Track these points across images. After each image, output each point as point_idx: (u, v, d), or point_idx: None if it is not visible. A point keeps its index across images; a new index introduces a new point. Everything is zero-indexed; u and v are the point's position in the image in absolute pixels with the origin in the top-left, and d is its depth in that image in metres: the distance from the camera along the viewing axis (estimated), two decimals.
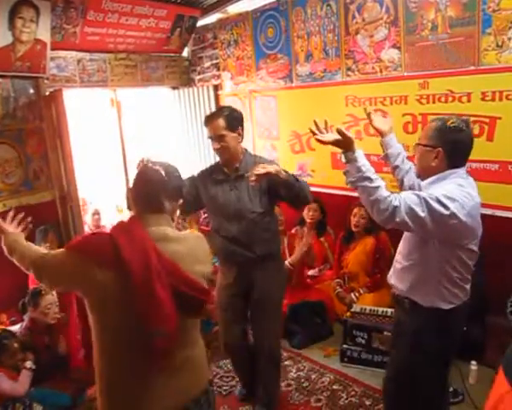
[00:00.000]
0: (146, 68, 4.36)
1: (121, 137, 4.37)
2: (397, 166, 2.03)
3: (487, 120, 2.75)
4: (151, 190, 1.42)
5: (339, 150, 1.70)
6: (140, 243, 1.32)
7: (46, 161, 3.62)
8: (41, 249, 1.52)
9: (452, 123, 1.68)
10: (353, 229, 3.30)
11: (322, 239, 3.63)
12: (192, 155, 4.69)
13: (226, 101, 4.40)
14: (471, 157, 1.76)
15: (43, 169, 3.61)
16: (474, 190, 1.69)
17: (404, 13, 3.00)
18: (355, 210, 3.26)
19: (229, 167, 2.31)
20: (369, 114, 2.09)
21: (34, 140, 3.55)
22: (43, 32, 3.24)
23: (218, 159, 2.39)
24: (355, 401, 2.61)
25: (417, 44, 2.99)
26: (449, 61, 2.86)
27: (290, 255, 3.57)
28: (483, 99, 2.74)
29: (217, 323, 2.54)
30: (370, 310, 2.99)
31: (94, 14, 3.51)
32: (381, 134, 2.06)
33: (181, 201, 1.52)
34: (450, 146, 1.67)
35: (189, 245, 1.44)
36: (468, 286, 1.76)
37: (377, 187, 1.60)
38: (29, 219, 1.73)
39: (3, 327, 2.86)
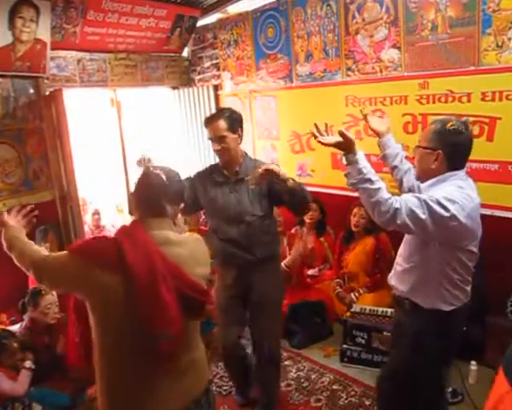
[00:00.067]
0: (146, 68, 4.37)
1: (121, 136, 4.37)
2: (395, 167, 2.03)
3: (487, 121, 2.75)
4: (152, 195, 1.43)
5: (339, 151, 1.71)
6: (143, 247, 1.33)
7: (46, 161, 3.62)
8: (42, 250, 1.51)
9: (452, 125, 1.68)
10: (353, 229, 3.30)
11: (321, 239, 3.63)
12: (192, 156, 4.69)
13: (226, 101, 4.40)
14: (471, 157, 1.76)
15: (43, 169, 3.61)
16: (473, 192, 1.69)
17: (404, 13, 3.00)
18: (355, 210, 3.26)
19: (230, 170, 2.30)
20: (365, 116, 2.09)
21: (34, 140, 3.55)
22: (43, 31, 3.24)
23: (217, 160, 2.39)
24: (355, 401, 2.61)
25: (417, 44, 2.99)
26: (449, 62, 2.86)
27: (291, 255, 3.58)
28: (483, 99, 2.74)
29: (216, 324, 2.54)
30: (370, 310, 2.99)
31: (94, 13, 3.51)
32: (379, 135, 2.06)
33: (182, 205, 1.53)
34: (450, 148, 1.68)
35: (190, 248, 1.45)
36: (468, 288, 1.76)
37: (378, 189, 1.61)
38: (35, 212, 1.72)
39: (3, 327, 2.86)
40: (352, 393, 2.68)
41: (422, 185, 1.79)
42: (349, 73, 3.45)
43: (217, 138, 2.22)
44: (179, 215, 1.55)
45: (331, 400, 2.64)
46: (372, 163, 1.73)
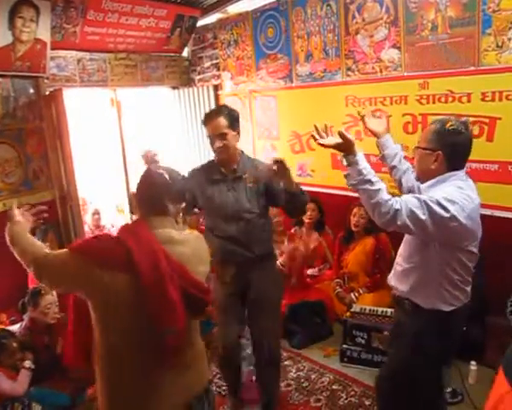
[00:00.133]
0: (146, 68, 4.37)
1: (121, 136, 4.38)
2: (394, 167, 2.03)
3: (487, 121, 2.75)
4: (155, 193, 1.44)
5: (339, 153, 1.71)
6: (147, 245, 1.33)
7: (46, 161, 3.62)
8: (43, 247, 1.50)
9: (451, 126, 1.68)
10: (353, 229, 3.30)
11: (321, 239, 3.63)
12: (192, 156, 4.69)
13: (226, 101, 4.40)
14: (471, 157, 1.76)
15: (42, 169, 3.61)
16: (473, 192, 1.69)
17: (404, 13, 3.00)
18: (355, 210, 3.26)
19: (227, 167, 2.29)
20: (362, 117, 2.10)
21: (34, 140, 3.55)
22: (43, 31, 3.24)
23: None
24: (354, 401, 2.61)
25: (417, 44, 2.99)
26: (449, 62, 2.86)
27: (291, 254, 3.58)
28: (483, 99, 2.74)
29: (216, 323, 2.54)
30: (370, 310, 2.99)
31: (94, 13, 3.51)
32: (376, 136, 2.06)
33: (184, 204, 1.54)
34: (450, 149, 1.68)
35: (192, 246, 1.46)
36: (468, 288, 1.77)
37: (378, 190, 1.61)
38: (45, 214, 1.73)
39: (3, 327, 2.86)
40: (352, 393, 2.68)
41: (422, 186, 1.79)
42: (349, 73, 3.45)
43: (218, 135, 2.21)
44: (180, 214, 1.55)
45: (331, 400, 2.64)
46: (371, 163, 1.73)
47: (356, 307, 3.06)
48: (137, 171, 1.53)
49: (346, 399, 2.63)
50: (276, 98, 4.02)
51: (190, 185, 2.31)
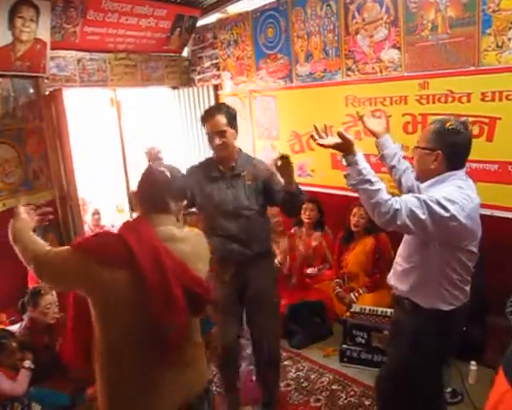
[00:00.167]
0: (146, 68, 4.37)
1: (121, 136, 4.38)
2: (393, 167, 2.03)
3: (487, 121, 2.75)
4: (156, 191, 1.44)
5: (339, 153, 1.71)
6: (149, 243, 1.33)
7: (46, 161, 3.62)
8: (45, 245, 1.49)
9: (451, 125, 1.68)
10: (353, 229, 3.30)
11: (321, 238, 3.63)
12: (192, 155, 4.69)
13: (226, 101, 4.39)
14: (471, 157, 1.76)
15: (42, 169, 3.61)
16: (473, 192, 1.69)
17: (404, 13, 3.01)
18: (354, 210, 3.26)
19: (225, 165, 2.29)
20: (361, 117, 2.10)
21: (34, 140, 3.55)
22: (43, 31, 3.24)
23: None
24: (354, 401, 2.61)
25: (417, 45, 2.99)
26: (449, 62, 2.86)
27: (291, 255, 3.58)
28: (483, 99, 2.74)
29: (215, 323, 2.54)
30: (370, 310, 2.99)
31: (94, 13, 3.51)
32: (376, 135, 2.07)
33: (185, 201, 1.54)
34: (449, 149, 1.67)
35: (192, 244, 1.46)
36: (468, 288, 1.77)
37: (378, 190, 1.61)
38: (50, 216, 1.73)
39: (2, 327, 2.86)
40: (352, 393, 2.68)
41: (422, 186, 1.79)
42: (349, 73, 3.45)
43: (217, 133, 2.21)
44: (182, 212, 1.55)
45: (330, 400, 2.64)
46: (371, 163, 1.73)
47: (356, 307, 3.06)
48: (138, 170, 1.53)
49: (346, 399, 2.63)
50: (276, 98, 4.03)
51: (189, 183, 2.30)
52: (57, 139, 3.54)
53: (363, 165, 1.64)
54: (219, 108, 2.31)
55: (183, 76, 4.77)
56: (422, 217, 1.56)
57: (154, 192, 1.44)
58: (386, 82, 3.22)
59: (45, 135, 3.58)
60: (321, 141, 1.72)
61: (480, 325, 2.74)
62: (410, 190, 1.93)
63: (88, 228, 4.31)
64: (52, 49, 3.43)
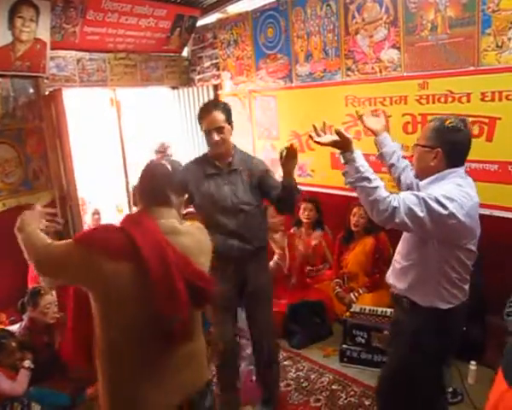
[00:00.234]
0: (145, 68, 4.37)
1: (121, 136, 4.38)
2: (392, 165, 2.03)
3: (487, 121, 2.75)
4: (157, 185, 1.44)
5: (337, 150, 1.71)
6: (151, 235, 1.33)
7: (46, 161, 3.62)
8: (46, 239, 1.48)
9: (450, 123, 1.68)
10: (353, 228, 3.30)
11: (320, 238, 3.63)
12: (192, 155, 4.68)
13: (226, 101, 4.39)
14: (470, 157, 1.76)
15: (42, 169, 3.61)
16: (472, 190, 1.68)
17: (404, 13, 3.01)
18: (354, 210, 3.27)
19: (222, 161, 2.29)
20: (360, 116, 2.10)
21: (34, 140, 3.55)
22: (43, 31, 3.24)
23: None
24: (354, 401, 2.61)
25: (417, 45, 2.99)
26: (448, 62, 2.86)
27: (291, 255, 3.58)
28: (482, 99, 2.74)
29: (212, 323, 2.53)
30: (370, 310, 2.99)
31: (93, 13, 3.51)
32: (375, 133, 2.07)
33: (186, 195, 1.54)
34: (449, 146, 1.67)
35: (194, 238, 1.46)
36: (466, 286, 1.76)
37: (376, 187, 1.60)
38: (58, 226, 1.72)
39: (2, 327, 2.86)
40: (352, 393, 2.68)
41: (421, 183, 1.78)
42: (349, 73, 3.45)
43: (216, 129, 2.21)
44: (183, 207, 1.55)
45: (330, 400, 2.64)
46: (371, 163, 1.73)
47: (355, 307, 3.06)
48: (138, 170, 1.53)
49: (346, 399, 2.63)
50: (276, 98, 4.02)
51: (187, 179, 2.31)
52: (57, 139, 3.54)
53: (361, 162, 1.63)
54: (216, 104, 2.32)
55: (183, 76, 4.77)
56: (421, 215, 1.56)
57: (155, 185, 1.44)
58: (385, 82, 3.22)
59: (45, 135, 3.59)
60: (318, 139, 1.72)
61: (480, 324, 2.74)
62: (409, 188, 1.92)
63: (88, 228, 4.32)
64: (52, 49, 3.43)
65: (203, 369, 1.51)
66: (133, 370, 1.35)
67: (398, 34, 3.07)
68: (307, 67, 3.72)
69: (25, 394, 2.37)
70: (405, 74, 3.10)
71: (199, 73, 4.75)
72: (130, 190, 4.35)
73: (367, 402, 2.58)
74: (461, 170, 1.70)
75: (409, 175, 1.98)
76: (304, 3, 3.61)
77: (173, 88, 4.76)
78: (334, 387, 2.75)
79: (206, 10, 4.18)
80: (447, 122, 1.68)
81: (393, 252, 1.98)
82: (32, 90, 3.51)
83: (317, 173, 3.84)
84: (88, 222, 4.40)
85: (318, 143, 1.72)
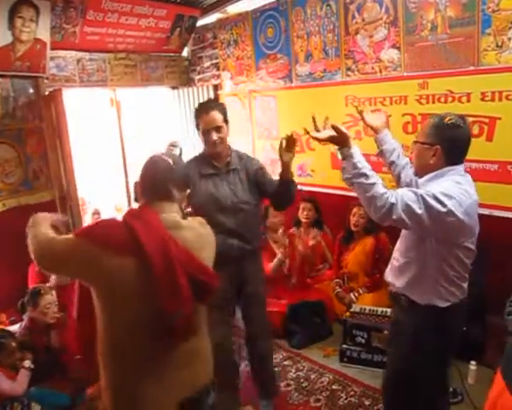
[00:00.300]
0: (145, 68, 4.37)
1: (121, 136, 4.38)
2: (393, 162, 2.02)
3: (487, 121, 2.75)
4: (158, 181, 1.43)
5: (334, 146, 1.70)
6: (154, 229, 1.33)
7: (46, 161, 3.62)
8: (50, 234, 1.47)
9: (450, 120, 1.67)
10: (353, 228, 3.30)
11: (319, 237, 3.63)
12: (192, 155, 4.68)
13: (226, 101, 4.39)
14: (470, 157, 1.75)
15: (42, 169, 3.61)
16: (471, 188, 1.67)
17: (404, 13, 3.01)
18: (354, 209, 3.26)
19: (220, 161, 2.29)
20: (361, 112, 2.09)
21: (34, 140, 3.55)
22: (43, 31, 3.24)
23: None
24: (354, 401, 2.61)
25: (417, 45, 2.99)
26: (448, 62, 2.86)
27: (291, 255, 3.58)
28: (482, 99, 2.74)
29: (211, 322, 2.55)
30: (370, 310, 2.99)
31: (93, 13, 3.51)
32: (375, 131, 2.06)
33: (188, 190, 1.53)
34: (448, 143, 1.66)
35: (196, 232, 1.46)
36: (465, 284, 1.75)
37: (373, 184, 1.59)
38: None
39: (2, 327, 2.86)
40: (352, 393, 2.68)
41: (420, 180, 1.77)
42: (349, 73, 3.45)
43: (214, 129, 2.22)
44: (185, 204, 1.55)
45: (330, 400, 2.64)
46: (371, 163, 1.72)
47: (355, 307, 3.06)
48: (138, 170, 1.53)
49: (346, 399, 2.63)
50: (276, 98, 4.02)
51: (189, 174, 2.31)
52: (57, 139, 3.54)
53: (359, 158, 1.62)
54: (215, 104, 2.33)
55: (183, 76, 4.77)
56: (419, 212, 1.55)
57: (157, 180, 1.43)
58: (385, 82, 3.22)
59: (45, 135, 3.59)
60: (315, 134, 1.71)
61: (480, 324, 2.74)
62: (408, 186, 1.90)
63: None
64: (52, 49, 3.43)
65: (206, 367, 1.50)
66: (136, 365, 1.35)
67: (398, 34, 3.07)
68: (307, 67, 3.72)
69: (25, 394, 2.37)
70: (405, 74, 3.10)
71: (199, 73, 4.75)
72: (132, 186, 4.35)
73: (367, 402, 2.58)
74: (460, 168, 1.69)
75: (408, 173, 1.97)
76: (304, 3, 3.61)
77: (173, 88, 4.76)
78: (334, 387, 2.75)
79: (206, 10, 4.18)
80: (446, 119, 1.67)
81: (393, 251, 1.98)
82: (31, 91, 3.51)
83: (317, 173, 3.84)
84: (88, 222, 4.40)
85: (315, 138, 1.71)
